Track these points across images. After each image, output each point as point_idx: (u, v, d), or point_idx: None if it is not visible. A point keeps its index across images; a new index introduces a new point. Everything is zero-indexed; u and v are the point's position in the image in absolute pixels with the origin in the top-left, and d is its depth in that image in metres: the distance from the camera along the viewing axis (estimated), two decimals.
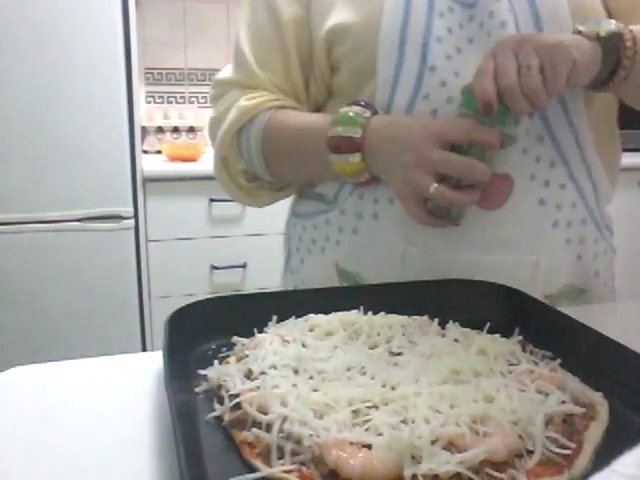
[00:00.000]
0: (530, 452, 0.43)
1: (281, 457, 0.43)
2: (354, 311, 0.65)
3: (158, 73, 2.66)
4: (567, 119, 0.72)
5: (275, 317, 0.63)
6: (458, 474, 0.40)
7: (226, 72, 0.85)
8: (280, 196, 0.90)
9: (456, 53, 0.71)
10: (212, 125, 0.86)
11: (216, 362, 0.56)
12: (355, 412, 0.47)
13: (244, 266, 2.26)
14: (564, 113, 0.72)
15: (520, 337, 0.61)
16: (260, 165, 0.82)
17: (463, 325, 0.64)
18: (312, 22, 0.77)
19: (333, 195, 0.80)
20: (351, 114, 0.70)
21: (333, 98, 0.81)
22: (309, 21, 0.77)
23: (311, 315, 0.64)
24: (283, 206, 0.95)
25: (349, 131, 0.69)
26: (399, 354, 0.58)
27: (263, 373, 0.52)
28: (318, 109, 0.84)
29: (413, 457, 0.41)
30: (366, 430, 0.44)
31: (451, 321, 0.65)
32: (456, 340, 0.61)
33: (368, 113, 0.70)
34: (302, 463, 0.42)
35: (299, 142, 0.76)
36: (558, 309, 0.66)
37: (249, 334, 0.61)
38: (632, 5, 0.74)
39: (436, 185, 0.65)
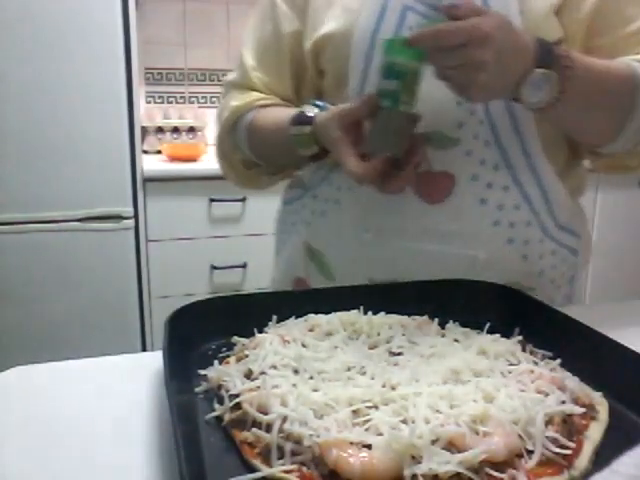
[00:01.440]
0: (530, 452, 0.43)
1: (281, 457, 0.43)
2: (354, 311, 0.65)
3: (158, 73, 2.66)
4: (513, 126, 0.76)
5: (275, 317, 0.64)
6: (458, 474, 0.41)
7: (231, 74, 0.97)
8: (276, 179, 1.00)
9: None
10: (216, 122, 1.00)
11: (216, 362, 0.56)
12: (355, 412, 0.47)
13: (244, 266, 2.26)
14: (511, 121, 0.76)
15: (520, 337, 0.61)
16: (251, 154, 0.94)
17: (463, 325, 0.64)
18: (305, 34, 0.86)
19: (308, 178, 0.90)
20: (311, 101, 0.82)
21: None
22: (304, 34, 0.86)
23: (311, 315, 0.64)
24: None
25: (306, 110, 0.79)
26: (399, 354, 0.58)
27: (263, 373, 0.52)
28: None
29: (413, 457, 0.41)
30: (366, 430, 0.45)
31: (451, 321, 0.65)
32: (456, 340, 0.61)
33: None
34: (302, 463, 0.42)
35: (273, 133, 0.86)
36: (558, 309, 0.66)
37: (249, 334, 0.61)
38: (613, 45, 0.77)
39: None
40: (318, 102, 0.81)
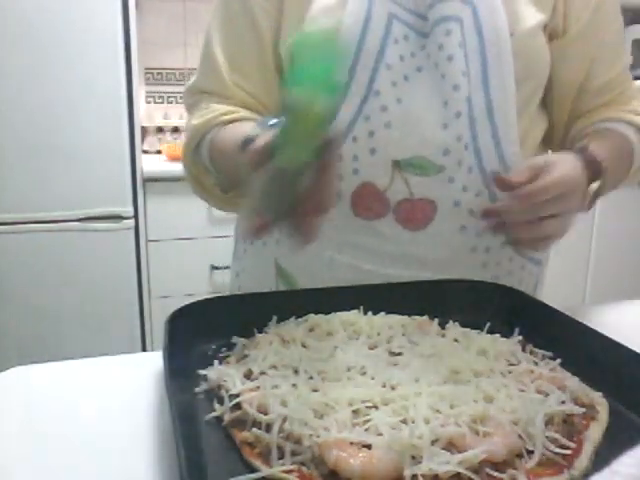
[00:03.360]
0: (530, 452, 0.43)
1: (281, 457, 0.43)
2: (354, 311, 0.65)
3: (158, 73, 2.65)
4: (497, 151, 0.74)
5: (275, 317, 0.63)
6: (458, 474, 0.41)
7: (197, 78, 0.85)
8: None
9: (403, 80, 0.73)
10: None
11: (216, 362, 0.56)
12: (355, 412, 0.47)
13: None
14: (494, 143, 0.74)
15: (520, 337, 0.61)
16: (223, 177, 0.80)
17: (463, 325, 0.64)
18: (282, 32, 0.78)
19: None
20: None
21: None
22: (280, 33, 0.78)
23: (311, 315, 0.64)
24: None
25: (255, 132, 0.60)
26: (399, 354, 0.58)
27: (263, 373, 0.52)
28: None
29: (413, 457, 0.41)
30: (366, 430, 0.44)
31: (451, 321, 0.65)
32: (456, 340, 0.61)
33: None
34: (302, 463, 0.42)
35: (232, 159, 0.69)
36: (558, 309, 0.66)
37: (249, 334, 0.61)
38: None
39: None
40: (272, 120, 0.59)
